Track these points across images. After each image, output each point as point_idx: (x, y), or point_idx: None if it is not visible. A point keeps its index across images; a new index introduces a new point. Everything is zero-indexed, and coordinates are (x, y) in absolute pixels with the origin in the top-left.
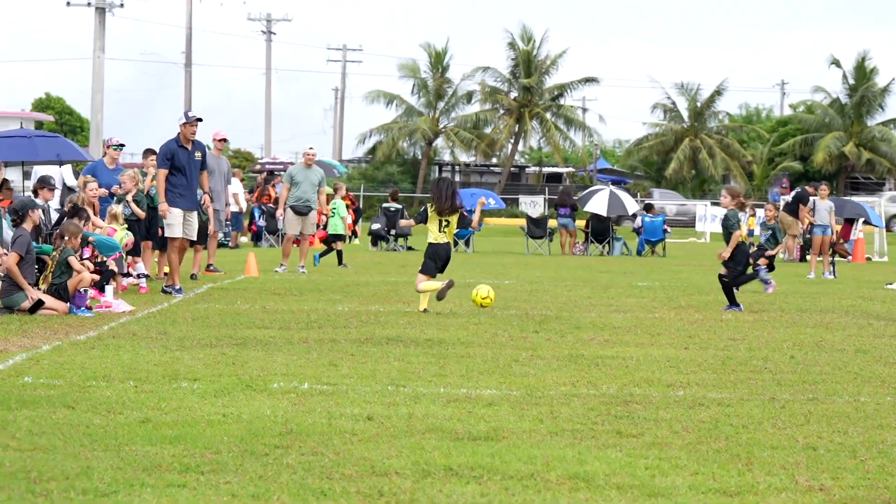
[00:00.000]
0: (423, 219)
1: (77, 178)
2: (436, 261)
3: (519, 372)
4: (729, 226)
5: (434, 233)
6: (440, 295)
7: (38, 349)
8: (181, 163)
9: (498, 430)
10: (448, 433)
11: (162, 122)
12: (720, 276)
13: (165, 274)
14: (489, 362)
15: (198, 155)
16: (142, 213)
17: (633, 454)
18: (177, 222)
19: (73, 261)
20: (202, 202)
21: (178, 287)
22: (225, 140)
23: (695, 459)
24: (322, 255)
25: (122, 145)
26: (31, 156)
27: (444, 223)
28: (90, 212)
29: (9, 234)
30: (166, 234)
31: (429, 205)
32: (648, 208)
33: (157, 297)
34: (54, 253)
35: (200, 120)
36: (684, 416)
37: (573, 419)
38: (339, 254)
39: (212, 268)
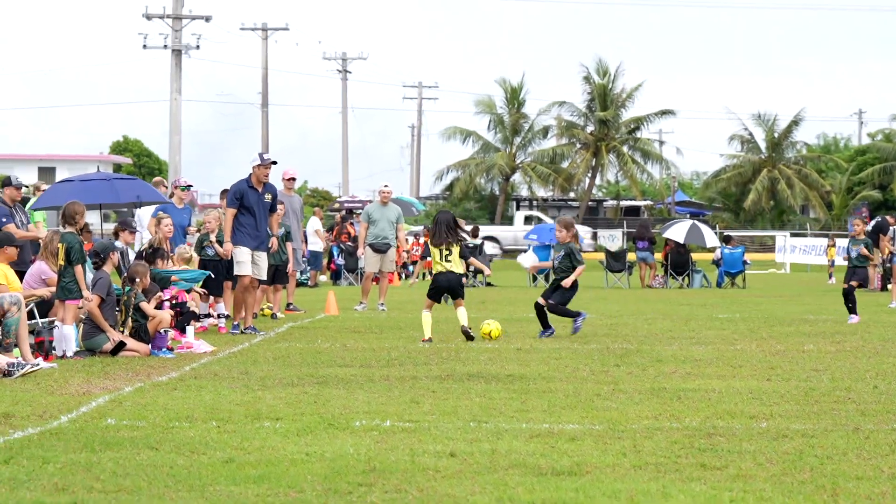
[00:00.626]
0: (427, 252)
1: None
2: (437, 289)
3: (601, 406)
4: (575, 260)
5: (436, 262)
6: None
7: (120, 391)
8: (250, 203)
9: (581, 464)
10: (531, 468)
11: (239, 163)
12: (542, 305)
13: (265, 312)
14: (571, 397)
15: (268, 197)
16: (224, 253)
17: (718, 487)
18: (245, 260)
19: (146, 307)
20: (270, 245)
21: (249, 326)
22: (294, 179)
23: (780, 491)
24: None
25: (190, 185)
26: (112, 198)
27: (445, 253)
28: (166, 249)
29: (90, 276)
30: (235, 272)
31: (430, 239)
32: (727, 240)
33: (237, 338)
34: (124, 297)
35: (275, 163)
36: (768, 447)
37: (656, 453)
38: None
39: (292, 307)
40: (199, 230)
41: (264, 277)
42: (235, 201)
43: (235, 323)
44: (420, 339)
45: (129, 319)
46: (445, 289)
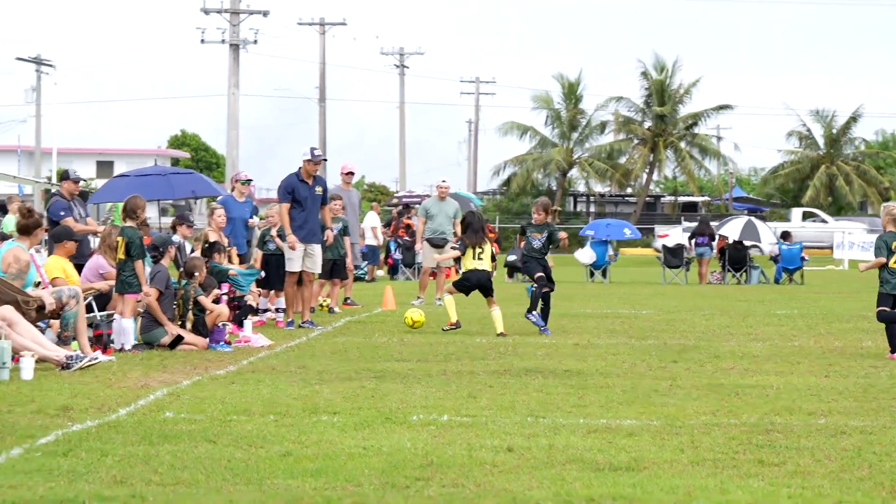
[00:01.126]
0: (463, 249)
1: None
2: (467, 283)
3: (659, 402)
4: (555, 240)
5: (469, 260)
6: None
7: (178, 384)
8: (301, 197)
9: (639, 460)
10: (589, 464)
11: (296, 158)
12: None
13: (324, 307)
14: (628, 392)
15: (318, 190)
16: (291, 244)
17: (776, 483)
18: (296, 256)
19: (204, 300)
20: (325, 238)
21: (307, 321)
22: (352, 174)
23: (838, 488)
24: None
25: (250, 180)
26: (167, 193)
27: (478, 252)
28: (222, 241)
29: (148, 270)
30: (286, 269)
31: (464, 237)
32: (786, 236)
33: (295, 332)
34: (181, 290)
35: (325, 160)
36: (826, 444)
37: (714, 448)
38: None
39: (349, 301)
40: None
41: (319, 270)
42: (287, 195)
43: (290, 319)
44: (446, 325)
45: (190, 313)
46: (476, 286)
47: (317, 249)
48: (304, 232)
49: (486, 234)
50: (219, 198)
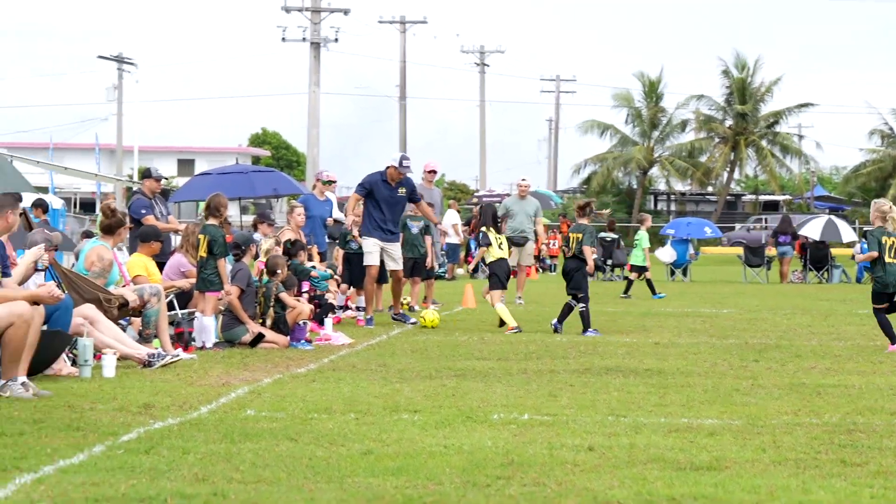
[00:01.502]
0: (487, 242)
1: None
2: (499, 276)
3: (740, 401)
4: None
5: (495, 251)
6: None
7: (259, 382)
8: (381, 197)
9: (720, 459)
10: (670, 463)
11: (377, 156)
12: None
13: (404, 305)
14: (710, 392)
15: (402, 191)
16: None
17: (858, 483)
18: (374, 251)
19: (286, 297)
20: (440, 233)
21: (370, 317)
22: (434, 172)
23: None
24: (626, 290)
25: (333, 181)
26: (249, 191)
27: (498, 242)
28: (302, 239)
29: (229, 268)
30: (364, 263)
31: (484, 228)
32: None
33: (375, 330)
34: (262, 288)
35: (410, 172)
36: None
37: (796, 448)
38: (649, 283)
39: (431, 301)
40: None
41: (400, 267)
42: (363, 189)
43: (369, 316)
44: (507, 330)
45: (271, 310)
46: (507, 275)
47: (396, 248)
48: (382, 232)
49: (499, 224)
50: (299, 196)
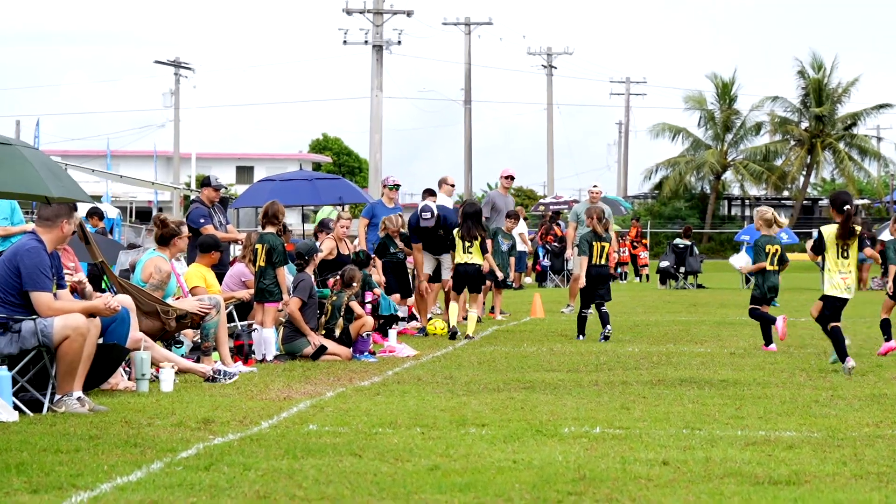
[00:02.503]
0: (452, 245)
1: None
2: (460, 279)
3: (819, 413)
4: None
5: (459, 254)
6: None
7: (321, 396)
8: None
9: (799, 473)
10: (747, 477)
11: (441, 161)
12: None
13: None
14: (787, 403)
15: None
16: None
17: None
18: (428, 260)
19: (356, 305)
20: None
21: (422, 327)
22: (512, 178)
23: None
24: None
25: (398, 185)
26: (314, 199)
27: (467, 245)
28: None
29: (290, 278)
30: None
31: (455, 231)
32: None
33: (441, 341)
34: (332, 297)
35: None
36: None
37: (878, 462)
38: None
39: (498, 311)
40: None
41: (447, 277)
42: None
43: (421, 326)
44: (463, 335)
45: (340, 320)
46: (469, 280)
47: (445, 258)
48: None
49: (481, 228)
50: (365, 205)
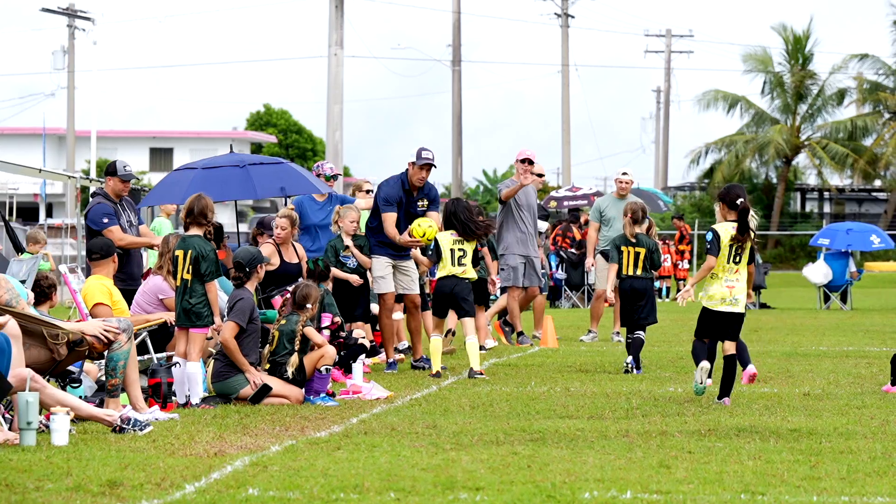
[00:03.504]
0: (438, 255)
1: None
2: (440, 299)
3: None
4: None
5: (446, 266)
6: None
7: (264, 451)
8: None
9: None
10: None
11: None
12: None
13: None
14: (879, 460)
15: (422, 204)
16: (367, 262)
17: None
18: (385, 274)
19: (312, 332)
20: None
21: (391, 362)
22: (530, 162)
23: None
24: None
25: (337, 175)
26: (246, 192)
27: (458, 255)
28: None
29: (224, 297)
30: (375, 291)
31: (440, 234)
32: None
33: (421, 379)
34: (280, 321)
35: (434, 166)
36: None
37: None
38: None
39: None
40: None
41: (417, 290)
42: (391, 207)
43: (390, 360)
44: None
45: (295, 357)
46: (448, 298)
47: (410, 265)
48: (393, 248)
49: (476, 228)
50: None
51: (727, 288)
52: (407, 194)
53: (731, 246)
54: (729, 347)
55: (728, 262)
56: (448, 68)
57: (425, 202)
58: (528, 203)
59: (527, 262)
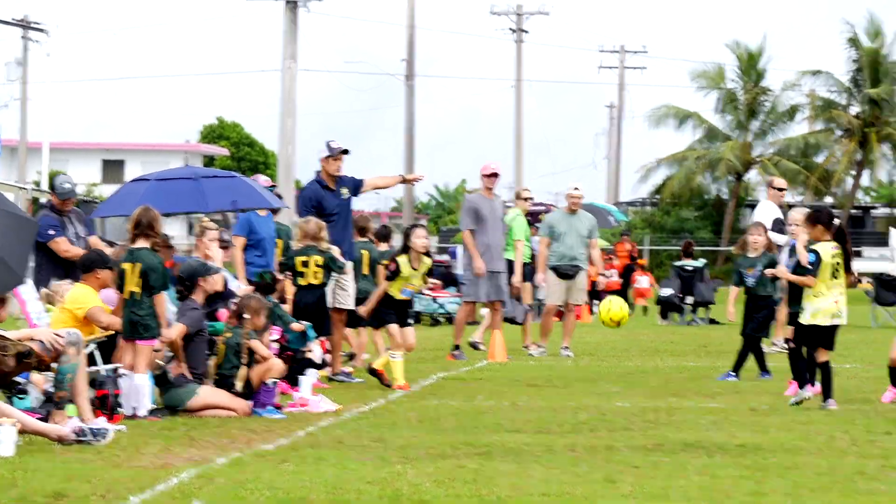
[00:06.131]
0: (396, 272)
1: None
2: (391, 308)
3: (865, 488)
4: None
5: (401, 282)
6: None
7: (210, 463)
8: (329, 208)
9: None
10: None
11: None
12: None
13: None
14: (824, 475)
15: (345, 192)
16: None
17: None
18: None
19: (257, 345)
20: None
21: (341, 372)
22: (497, 175)
23: None
24: None
25: (273, 186)
26: (199, 205)
27: (417, 270)
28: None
29: (172, 309)
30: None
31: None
32: None
33: (370, 392)
34: (226, 334)
35: (346, 152)
36: None
37: None
38: None
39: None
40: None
41: (350, 305)
42: (310, 210)
43: (336, 371)
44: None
45: (242, 370)
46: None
47: (348, 279)
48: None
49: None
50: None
51: (834, 303)
52: (326, 190)
53: (832, 264)
54: (824, 354)
55: (830, 279)
56: (402, 83)
57: (346, 191)
58: (494, 217)
59: (489, 276)
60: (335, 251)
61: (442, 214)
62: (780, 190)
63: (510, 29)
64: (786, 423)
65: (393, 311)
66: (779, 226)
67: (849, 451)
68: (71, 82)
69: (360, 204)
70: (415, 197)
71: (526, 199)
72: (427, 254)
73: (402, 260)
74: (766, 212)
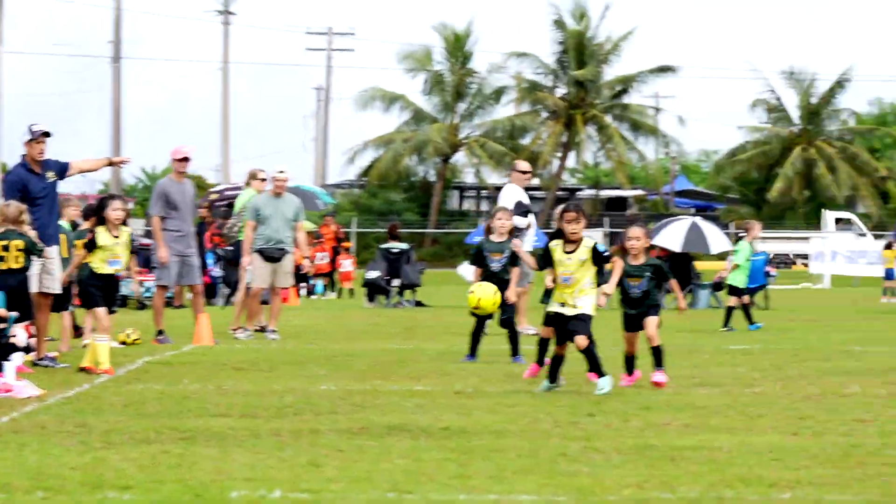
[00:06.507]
0: (93, 241)
1: None
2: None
3: (567, 470)
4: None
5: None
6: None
7: None
8: (35, 192)
9: None
10: None
11: (83, 136)
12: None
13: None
14: (526, 457)
15: (50, 176)
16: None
17: None
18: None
19: None
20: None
21: (45, 357)
22: (188, 160)
23: None
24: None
25: None
26: None
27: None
28: None
29: None
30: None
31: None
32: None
33: (74, 377)
34: None
35: (48, 134)
36: None
37: None
38: (745, 311)
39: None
40: None
41: (57, 290)
42: (17, 194)
43: (41, 357)
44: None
45: None
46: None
47: (54, 263)
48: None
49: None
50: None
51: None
52: (32, 174)
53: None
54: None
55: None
56: (108, 65)
57: (52, 174)
58: (186, 201)
59: (182, 260)
60: (32, 234)
61: (149, 197)
62: (524, 173)
63: (217, 11)
64: (490, 406)
65: (101, 292)
66: (522, 209)
67: (552, 433)
68: None
69: (67, 187)
70: (122, 179)
71: (262, 180)
72: (124, 223)
73: (100, 229)
74: (510, 195)
